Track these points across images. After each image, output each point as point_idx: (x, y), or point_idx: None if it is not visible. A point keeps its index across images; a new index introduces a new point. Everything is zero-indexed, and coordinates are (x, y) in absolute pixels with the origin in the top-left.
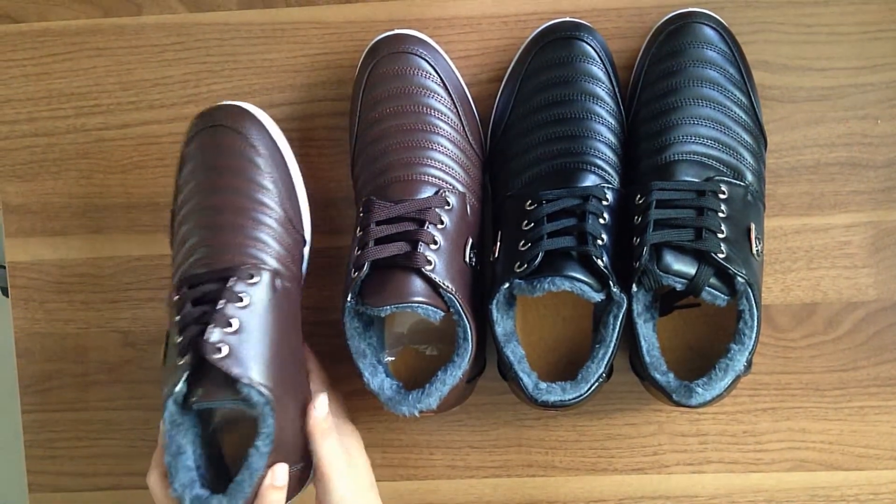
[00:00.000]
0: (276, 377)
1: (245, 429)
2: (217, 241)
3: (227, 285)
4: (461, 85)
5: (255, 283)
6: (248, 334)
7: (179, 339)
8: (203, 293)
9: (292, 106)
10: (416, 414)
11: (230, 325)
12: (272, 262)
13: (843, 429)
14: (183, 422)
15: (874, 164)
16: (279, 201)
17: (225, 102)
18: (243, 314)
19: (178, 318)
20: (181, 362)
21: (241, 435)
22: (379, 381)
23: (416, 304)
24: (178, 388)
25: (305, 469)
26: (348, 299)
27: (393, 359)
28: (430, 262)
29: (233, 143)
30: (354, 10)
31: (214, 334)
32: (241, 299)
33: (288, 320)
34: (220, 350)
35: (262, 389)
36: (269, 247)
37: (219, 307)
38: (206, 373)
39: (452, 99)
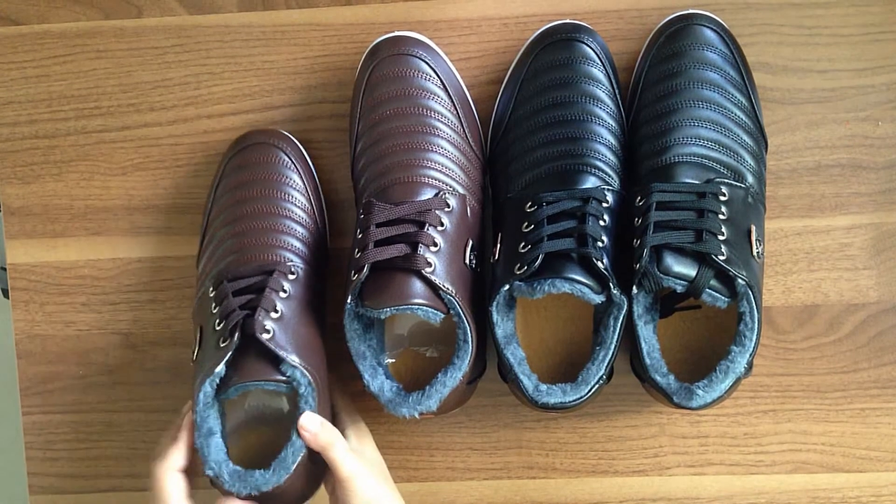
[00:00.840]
0: (310, 365)
1: (257, 436)
2: (253, 242)
3: (273, 276)
4: (461, 87)
5: (294, 280)
6: (288, 323)
7: (221, 326)
8: (246, 286)
9: (292, 108)
10: (416, 416)
11: (276, 311)
12: (305, 266)
13: (844, 431)
14: (214, 406)
15: (875, 165)
16: (311, 211)
17: (261, 128)
18: (285, 305)
19: (217, 308)
20: (223, 345)
21: (252, 443)
22: (379, 383)
23: (416, 306)
24: (218, 369)
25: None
26: (348, 301)
27: (393, 360)
28: (430, 264)
29: (268, 158)
30: (354, 12)
31: (262, 315)
32: (284, 291)
33: (318, 319)
34: (268, 332)
35: (305, 371)
36: (301, 251)
37: (266, 294)
38: (244, 359)
39: (452, 101)
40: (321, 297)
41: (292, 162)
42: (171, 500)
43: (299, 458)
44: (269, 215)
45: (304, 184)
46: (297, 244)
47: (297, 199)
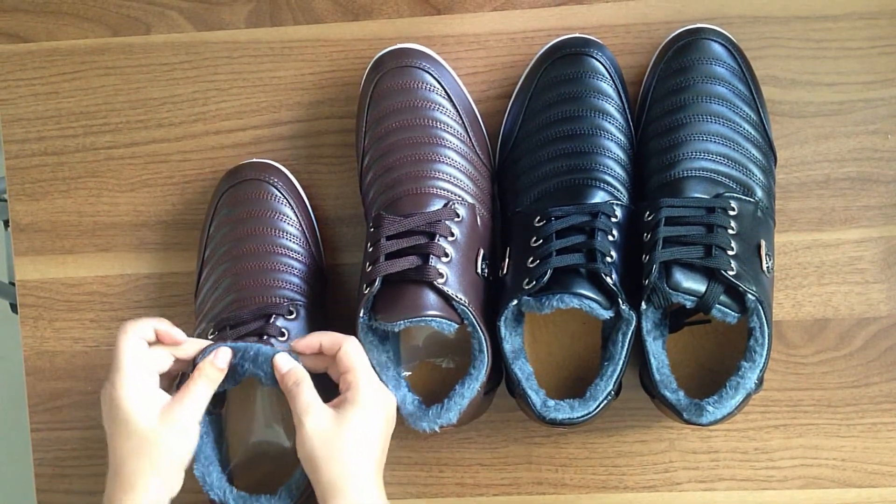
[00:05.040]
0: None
1: (261, 471)
2: (249, 283)
3: (270, 321)
4: (466, 97)
5: (293, 319)
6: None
7: None
8: (246, 332)
9: (300, 123)
10: (437, 429)
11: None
12: (303, 299)
13: (855, 445)
14: (209, 435)
15: (885, 178)
16: (305, 244)
17: (250, 160)
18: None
19: None
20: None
21: (257, 477)
22: (402, 394)
23: (430, 318)
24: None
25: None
26: (361, 315)
27: (409, 374)
28: (442, 275)
29: (258, 194)
30: (362, 27)
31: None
32: (283, 333)
33: None
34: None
35: None
36: (299, 287)
37: (264, 341)
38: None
39: (458, 111)
40: (324, 327)
41: (283, 195)
42: (125, 362)
43: (304, 487)
44: (264, 254)
45: (297, 216)
46: (296, 280)
47: (292, 234)
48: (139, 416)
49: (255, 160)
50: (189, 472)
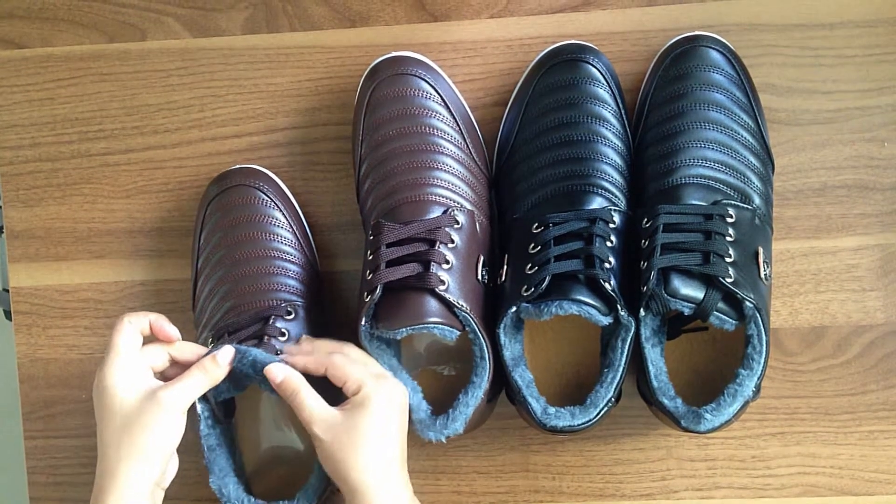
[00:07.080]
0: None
1: (277, 475)
2: (246, 289)
3: (269, 323)
4: (462, 104)
5: (292, 319)
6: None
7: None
8: (246, 336)
9: (296, 130)
10: (444, 440)
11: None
12: (300, 300)
13: (852, 453)
14: (222, 447)
15: (881, 186)
16: (297, 245)
17: (236, 166)
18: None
19: None
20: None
21: (272, 481)
22: (417, 400)
23: (432, 325)
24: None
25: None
26: (362, 323)
27: None
28: (443, 282)
29: (248, 200)
30: (358, 34)
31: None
32: (283, 333)
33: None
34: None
35: None
36: (297, 289)
37: (265, 343)
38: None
39: (455, 118)
40: (324, 327)
41: (271, 199)
42: (118, 343)
43: (321, 491)
44: (258, 259)
45: (287, 219)
46: (292, 282)
47: (284, 237)
48: (125, 393)
49: (240, 166)
50: (203, 484)
